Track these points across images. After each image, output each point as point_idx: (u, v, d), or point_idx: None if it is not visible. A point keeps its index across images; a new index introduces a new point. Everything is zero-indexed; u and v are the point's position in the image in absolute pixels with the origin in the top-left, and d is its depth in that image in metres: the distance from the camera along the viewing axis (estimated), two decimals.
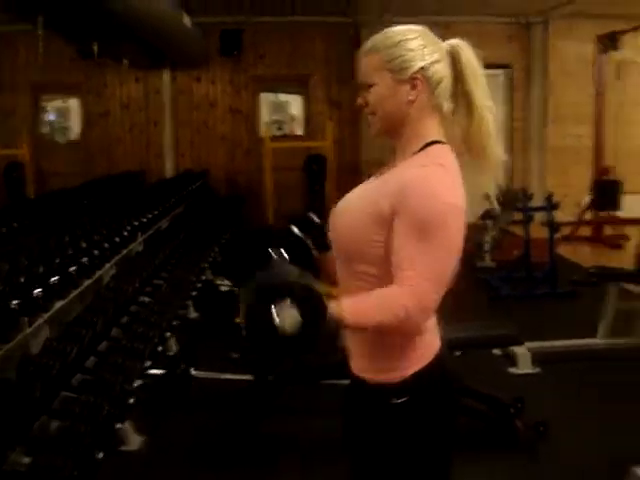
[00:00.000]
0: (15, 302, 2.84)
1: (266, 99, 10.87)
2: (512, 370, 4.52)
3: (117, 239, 4.24)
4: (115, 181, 8.11)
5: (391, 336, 1.56)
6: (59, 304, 3.24)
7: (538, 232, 7.19)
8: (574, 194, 9.60)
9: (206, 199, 9.04)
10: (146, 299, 4.18)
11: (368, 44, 1.61)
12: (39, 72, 9.17)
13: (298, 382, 3.68)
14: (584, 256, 8.27)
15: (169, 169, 10.44)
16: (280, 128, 10.97)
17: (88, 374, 3.06)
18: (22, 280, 3.01)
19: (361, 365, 1.66)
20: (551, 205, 6.45)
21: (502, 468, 3.28)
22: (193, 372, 4.19)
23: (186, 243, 6.14)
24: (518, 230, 7.97)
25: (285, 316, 1.35)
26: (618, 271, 5.20)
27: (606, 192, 9.02)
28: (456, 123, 1.64)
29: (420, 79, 1.57)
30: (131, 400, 2.77)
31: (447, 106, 1.61)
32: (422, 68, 1.56)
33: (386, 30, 1.61)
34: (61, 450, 2.25)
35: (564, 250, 7.67)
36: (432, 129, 1.60)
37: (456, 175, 1.55)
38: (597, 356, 4.69)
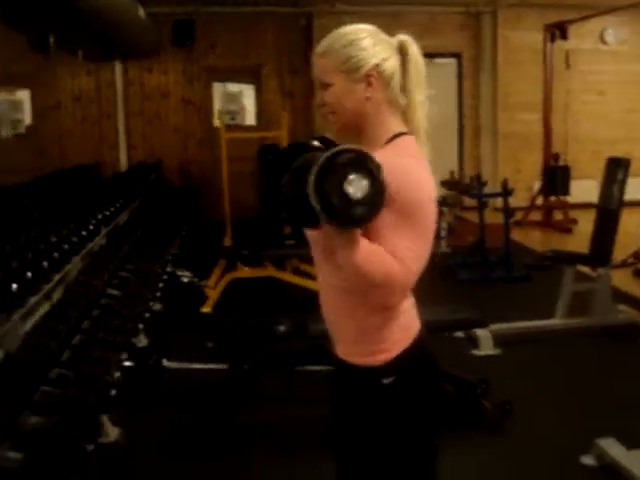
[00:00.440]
0: None
1: (218, 89, 10.83)
2: (475, 352, 4.65)
3: (84, 233, 4.23)
4: (70, 175, 8.00)
5: (373, 316, 1.62)
6: (33, 299, 3.24)
7: (491, 217, 7.38)
8: (525, 180, 9.86)
9: (162, 191, 9.01)
10: (115, 292, 4.19)
11: (322, 46, 1.66)
12: None
13: (273, 369, 3.73)
14: (535, 240, 8.51)
15: (123, 161, 10.34)
16: (233, 118, 10.92)
17: (65, 368, 3.07)
18: None
19: (347, 350, 1.71)
20: (506, 191, 6.60)
21: (473, 445, 3.38)
22: (165, 363, 4.21)
23: (147, 236, 6.13)
24: (470, 216, 8.16)
25: (357, 186, 1.41)
26: (573, 254, 5.39)
27: (556, 178, 9.27)
28: None
29: (374, 76, 1.62)
30: (113, 392, 2.80)
31: (402, 98, 1.67)
32: (376, 65, 1.62)
33: (338, 31, 1.66)
34: (52, 443, 2.27)
35: (516, 235, 7.84)
36: (393, 122, 1.66)
37: (425, 165, 1.63)
38: (556, 336, 4.85)
